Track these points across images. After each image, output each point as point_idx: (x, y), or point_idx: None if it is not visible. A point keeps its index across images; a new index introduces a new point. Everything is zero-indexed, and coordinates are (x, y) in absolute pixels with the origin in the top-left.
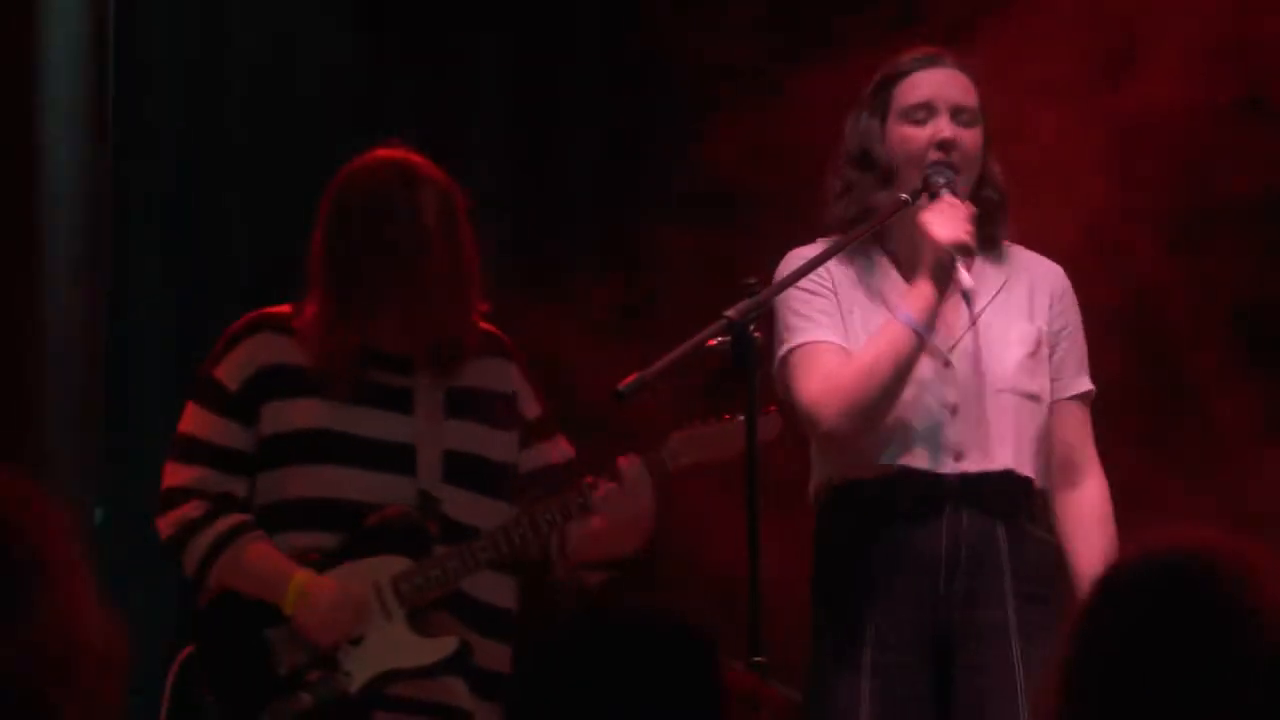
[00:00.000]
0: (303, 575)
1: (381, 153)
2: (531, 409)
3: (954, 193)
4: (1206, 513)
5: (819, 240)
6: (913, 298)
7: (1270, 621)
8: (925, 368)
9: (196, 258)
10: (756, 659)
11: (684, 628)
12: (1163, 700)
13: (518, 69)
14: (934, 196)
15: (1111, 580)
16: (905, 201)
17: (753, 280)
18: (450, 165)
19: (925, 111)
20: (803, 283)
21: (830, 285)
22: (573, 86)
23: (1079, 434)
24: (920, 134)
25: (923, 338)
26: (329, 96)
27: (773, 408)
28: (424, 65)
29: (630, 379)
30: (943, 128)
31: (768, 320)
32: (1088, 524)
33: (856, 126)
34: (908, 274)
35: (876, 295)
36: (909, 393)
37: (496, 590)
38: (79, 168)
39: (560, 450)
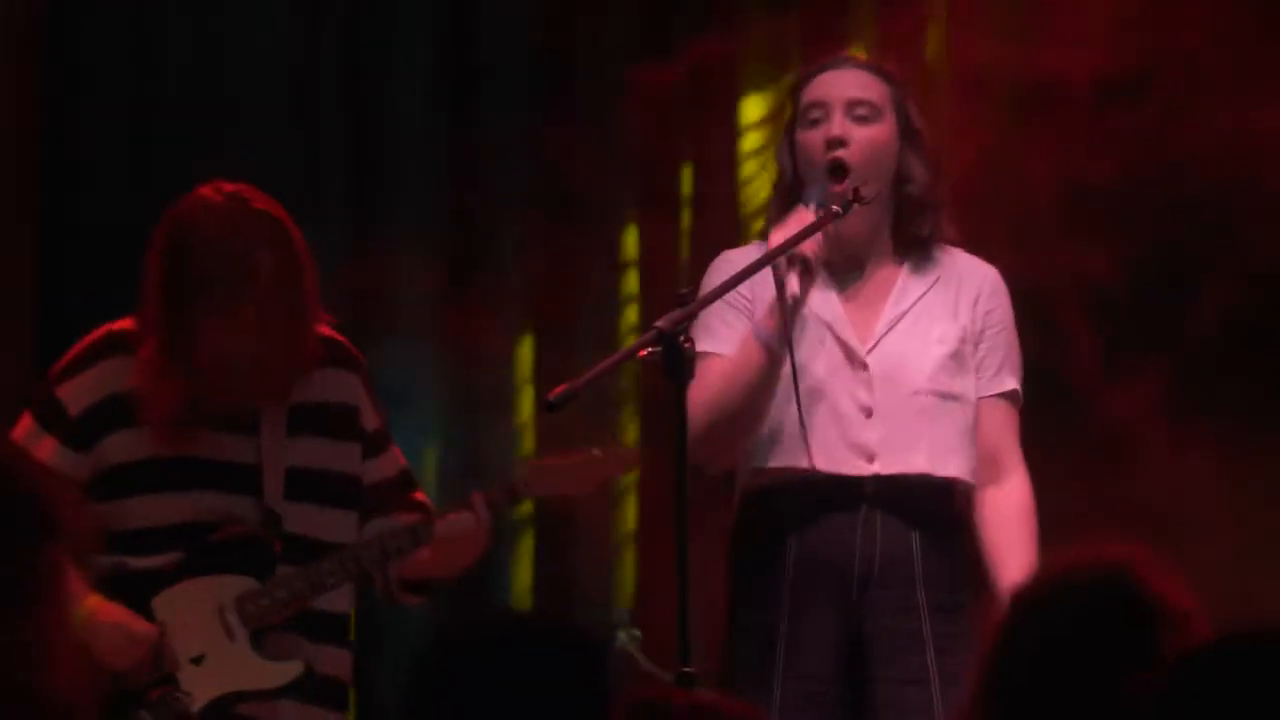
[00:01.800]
0: (92, 602)
1: (218, 195)
2: (371, 421)
3: (844, 198)
4: (1092, 509)
5: (754, 244)
6: (763, 309)
7: (1176, 634)
8: (842, 370)
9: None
10: (685, 669)
11: (572, 635)
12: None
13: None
14: (860, 201)
15: (1025, 600)
16: (837, 214)
17: (684, 290)
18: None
19: (819, 110)
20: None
21: (749, 295)
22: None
23: (1002, 432)
24: (815, 135)
25: (770, 348)
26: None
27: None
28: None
29: (560, 389)
30: (833, 126)
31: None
32: (1008, 522)
33: (778, 144)
34: (834, 273)
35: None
36: (826, 395)
37: (337, 597)
38: None
39: (393, 463)
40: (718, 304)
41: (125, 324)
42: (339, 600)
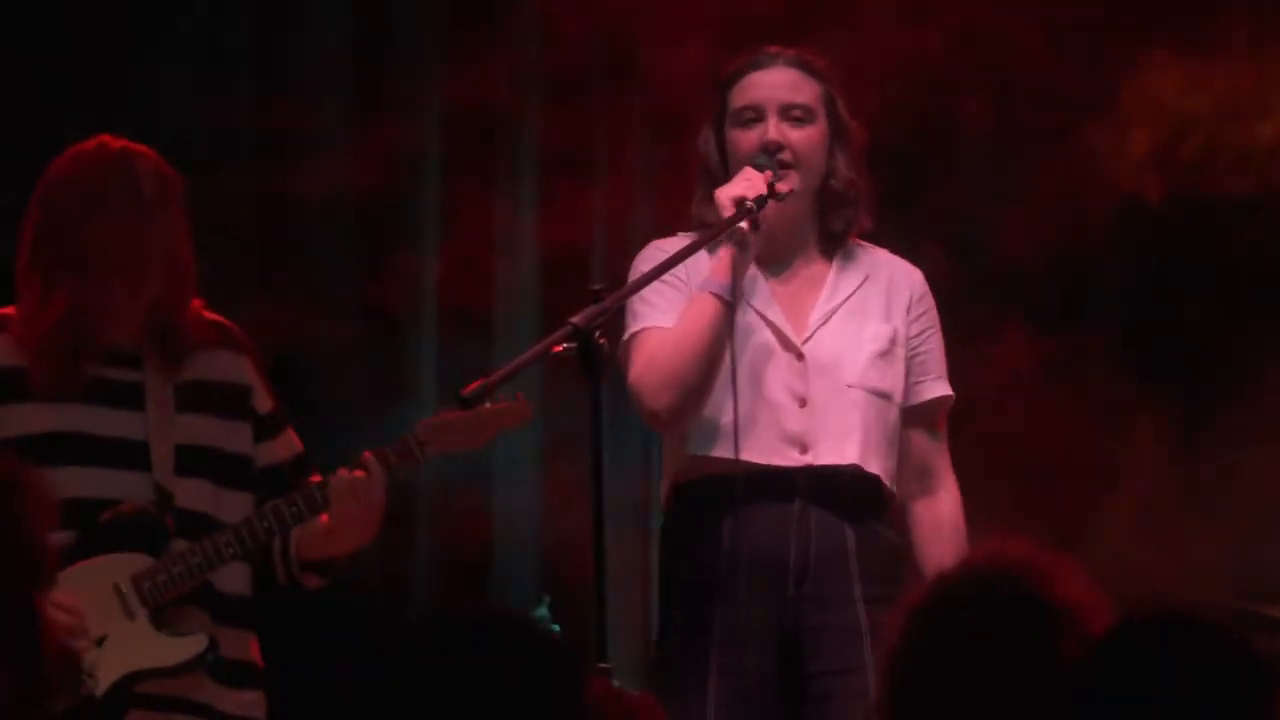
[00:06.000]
0: None
1: (93, 142)
2: (264, 403)
3: (776, 186)
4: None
5: (679, 234)
6: (713, 264)
7: (1075, 632)
8: (777, 359)
9: None
10: (603, 664)
11: (548, 641)
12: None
13: None
14: (776, 197)
15: (925, 606)
16: (750, 209)
17: (598, 286)
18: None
19: (753, 113)
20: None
21: (684, 277)
22: None
23: (935, 440)
24: (749, 136)
25: (724, 300)
26: None
27: (519, 395)
28: None
29: (474, 385)
30: (769, 129)
31: (613, 326)
32: (941, 536)
33: (701, 134)
34: (763, 266)
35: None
36: (759, 383)
37: (234, 579)
38: None
39: (288, 445)
40: (655, 284)
41: (1, 310)
42: (237, 582)
